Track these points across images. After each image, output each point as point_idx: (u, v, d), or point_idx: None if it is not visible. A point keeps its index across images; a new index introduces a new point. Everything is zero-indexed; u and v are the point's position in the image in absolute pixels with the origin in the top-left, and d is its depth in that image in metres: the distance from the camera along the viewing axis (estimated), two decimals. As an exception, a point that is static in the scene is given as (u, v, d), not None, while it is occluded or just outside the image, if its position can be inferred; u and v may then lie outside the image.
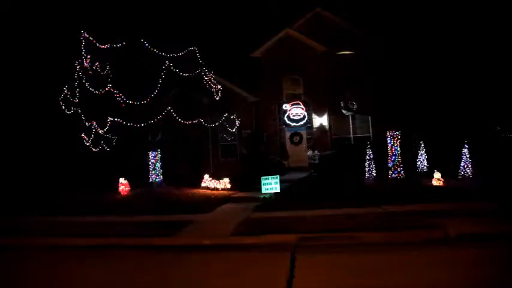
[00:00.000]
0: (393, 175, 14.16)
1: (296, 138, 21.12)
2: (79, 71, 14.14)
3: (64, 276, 5.95)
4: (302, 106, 20.59)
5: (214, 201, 12.67)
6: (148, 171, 16.45)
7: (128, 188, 15.22)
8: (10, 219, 10.87)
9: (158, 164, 16.46)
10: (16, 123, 17.75)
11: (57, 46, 17.50)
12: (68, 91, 14.72)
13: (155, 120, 14.81)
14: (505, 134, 17.36)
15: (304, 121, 20.60)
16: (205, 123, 16.77)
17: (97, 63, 14.14)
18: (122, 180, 15.21)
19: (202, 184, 15.66)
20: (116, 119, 14.28)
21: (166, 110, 14.87)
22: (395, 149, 14.18)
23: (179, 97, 16.84)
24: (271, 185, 12.63)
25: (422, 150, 15.00)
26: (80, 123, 14.68)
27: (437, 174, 12.72)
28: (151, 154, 16.37)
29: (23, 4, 19.73)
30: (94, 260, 6.85)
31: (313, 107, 20.79)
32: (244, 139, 20.68)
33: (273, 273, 5.45)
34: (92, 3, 19.32)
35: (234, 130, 19.28)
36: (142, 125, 14.66)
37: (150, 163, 16.44)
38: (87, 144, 15.16)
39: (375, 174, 14.68)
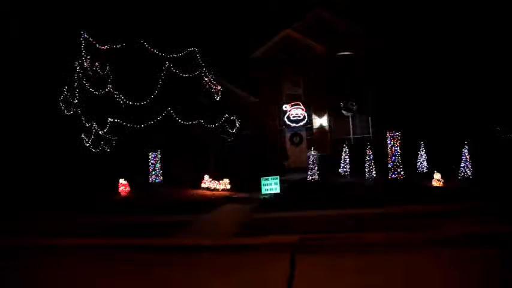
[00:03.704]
0: (393, 176, 14.15)
1: (296, 139, 21.13)
2: (79, 72, 14.15)
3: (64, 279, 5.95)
4: (302, 107, 20.59)
5: (214, 201, 12.66)
6: (148, 172, 16.43)
7: (128, 189, 15.19)
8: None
9: (158, 165, 16.45)
10: (14, 124, 17.72)
11: (56, 47, 17.50)
12: (67, 92, 14.72)
13: (155, 121, 14.81)
14: (505, 134, 17.34)
15: (304, 122, 20.60)
16: (205, 123, 16.77)
17: (97, 63, 14.16)
18: (121, 181, 15.17)
19: (202, 185, 15.64)
20: (116, 120, 14.28)
21: (166, 110, 14.87)
22: (395, 150, 14.17)
23: (179, 98, 16.87)
24: (271, 185, 12.64)
25: (422, 150, 14.98)
26: (80, 124, 14.67)
27: (437, 175, 12.71)
28: (151, 155, 16.35)
29: (22, 4, 19.71)
30: (91, 260, 6.83)
31: (313, 108, 20.80)
32: (244, 140, 20.67)
33: (273, 273, 5.44)
34: (92, 3, 19.30)
35: (234, 131, 19.28)
36: (143, 125, 14.66)
37: (150, 164, 16.43)
38: (87, 145, 15.14)
39: (374, 175, 14.68)
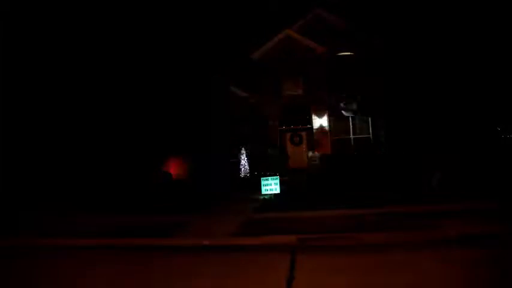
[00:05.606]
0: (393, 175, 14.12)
1: (296, 139, 21.10)
2: None
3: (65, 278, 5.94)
4: (302, 107, 20.58)
5: (213, 201, 12.65)
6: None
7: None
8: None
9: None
10: None
11: None
12: None
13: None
14: (505, 134, 17.33)
15: (303, 122, 20.58)
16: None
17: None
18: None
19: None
20: None
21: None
22: (395, 150, 14.17)
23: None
24: (271, 185, 12.62)
25: (422, 150, 14.96)
26: None
27: (436, 175, 12.69)
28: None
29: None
30: (92, 261, 6.83)
31: (313, 108, 20.78)
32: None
33: (272, 274, 5.43)
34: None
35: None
36: None
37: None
38: None
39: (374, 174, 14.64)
